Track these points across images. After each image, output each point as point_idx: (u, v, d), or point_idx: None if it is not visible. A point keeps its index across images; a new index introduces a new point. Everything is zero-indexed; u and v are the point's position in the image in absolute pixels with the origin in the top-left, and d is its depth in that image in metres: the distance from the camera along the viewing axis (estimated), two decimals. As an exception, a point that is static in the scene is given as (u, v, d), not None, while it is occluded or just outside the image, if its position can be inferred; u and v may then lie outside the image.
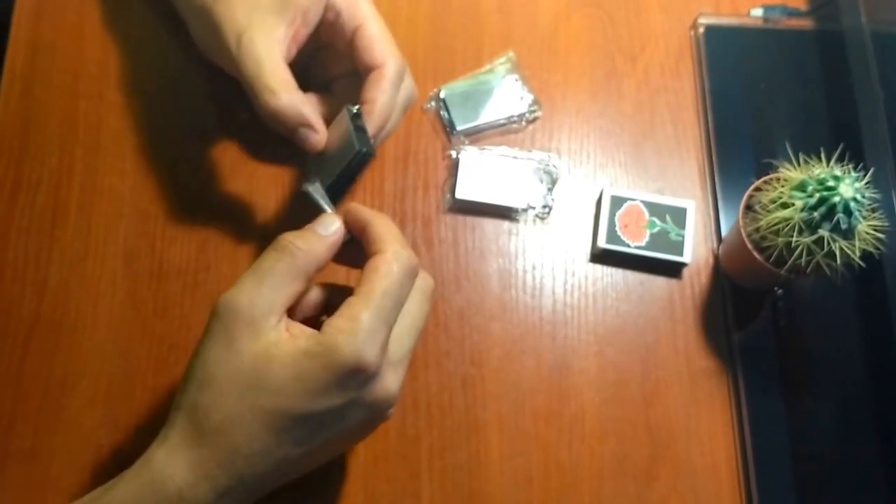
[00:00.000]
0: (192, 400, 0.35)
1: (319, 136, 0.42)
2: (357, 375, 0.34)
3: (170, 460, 0.34)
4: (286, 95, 0.40)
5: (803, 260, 0.41)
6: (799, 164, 0.43)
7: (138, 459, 0.36)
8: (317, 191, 0.40)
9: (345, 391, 0.34)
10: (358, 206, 0.39)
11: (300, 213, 0.49)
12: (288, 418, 0.34)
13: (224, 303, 0.35)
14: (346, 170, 0.41)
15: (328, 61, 0.46)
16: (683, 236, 0.49)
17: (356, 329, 0.34)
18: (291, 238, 0.36)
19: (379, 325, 0.35)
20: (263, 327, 0.34)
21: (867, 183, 0.41)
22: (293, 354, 0.34)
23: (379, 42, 0.43)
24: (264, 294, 0.35)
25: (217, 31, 0.42)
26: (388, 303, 0.35)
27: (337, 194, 0.42)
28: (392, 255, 0.36)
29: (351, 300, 0.35)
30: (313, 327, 0.36)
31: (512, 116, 0.52)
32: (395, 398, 0.37)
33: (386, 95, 0.42)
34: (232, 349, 0.34)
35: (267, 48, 0.41)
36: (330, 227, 0.37)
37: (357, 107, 0.42)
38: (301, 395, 0.34)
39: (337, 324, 0.34)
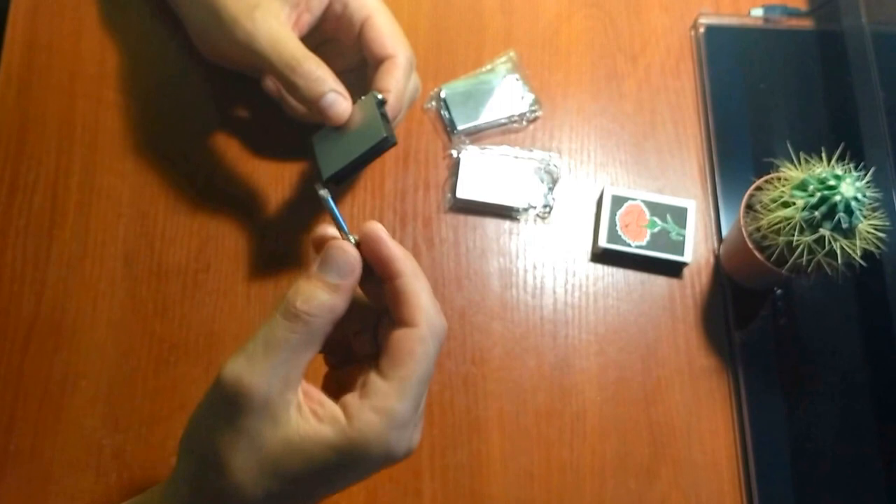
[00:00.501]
0: (200, 479, 0.32)
1: (347, 102, 0.40)
2: (384, 462, 0.32)
3: None
4: (308, 63, 0.40)
5: (804, 259, 0.41)
6: (799, 164, 0.43)
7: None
8: (329, 195, 0.34)
9: (368, 472, 0.32)
10: (380, 235, 0.32)
11: (300, 212, 0.49)
12: (303, 497, 0.32)
13: (233, 381, 0.30)
14: (365, 154, 0.40)
15: (333, 55, 0.46)
16: (684, 236, 0.49)
17: (389, 425, 0.30)
18: (301, 303, 0.31)
19: (413, 413, 0.31)
20: (281, 409, 0.30)
21: (868, 182, 0.41)
22: (317, 448, 0.30)
23: (389, 33, 0.43)
24: (279, 371, 0.30)
25: (220, 19, 0.42)
26: (423, 388, 0.32)
27: (345, 178, 0.41)
28: (428, 330, 0.32)
29: (382, 385, 0.31)
30: None
31: (513, 116, 0.52)
32: (415, 448, 0.34)
33: (400, 84, 0.42)
34: (247, 437, 0.30)
35: (279, 24, 0.41)
36: (344, 273, 0.32)
37: (382, 95, 0.41)
38: (324, 485, 0.32)
39: (367, 417, 0.30)
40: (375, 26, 0.43)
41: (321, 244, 0.33)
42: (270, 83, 0.44)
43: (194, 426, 0.32)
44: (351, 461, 0.31)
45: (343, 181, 0.42)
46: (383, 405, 0.30)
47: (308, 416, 0.31)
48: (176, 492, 0.33)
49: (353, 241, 0.33)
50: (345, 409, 0.31)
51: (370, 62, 0.44)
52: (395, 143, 0.40)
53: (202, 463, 0.32)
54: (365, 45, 0.43)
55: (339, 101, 0.40)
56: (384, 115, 0.41)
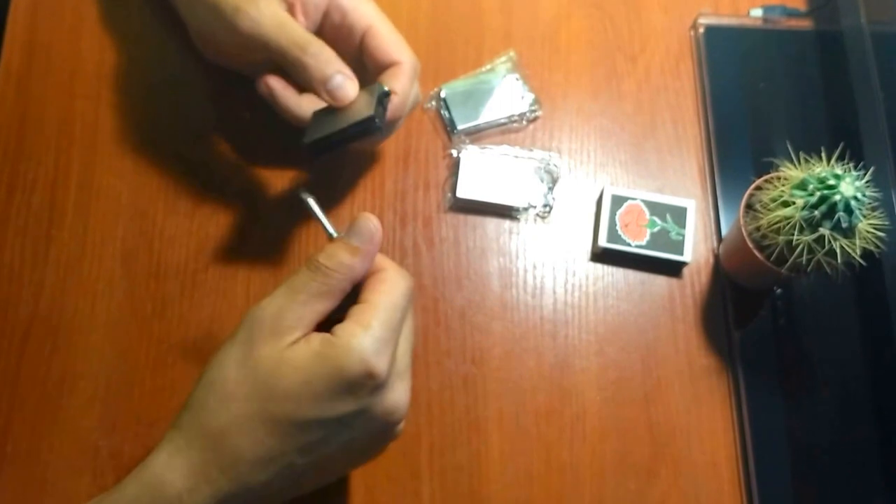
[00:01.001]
0: (199, 400, 0.35)
1: (355, 85, 0.41)
2: (367, 382, 0.34)
3: (171, 463, 0.34)
4: (316, 44, 0.40)
5: (804, 258, 0.41)
6: (799, 163, 0.43)
7: (142, 461, 0.35)
8: (312, 200, 0.39)
9: (354, 398, 0.34)
10: (367, 222, 0.37)
11: (300, 212, 0.49)
12: (294, 424, 0.34)
13: (253, 311, 0.35)
14: (348, 128, 0.40)
15: None
16: (684, 235, 0.49)
17: (368, 334, 0.34)
18: (324, 258, 0.35)
19: (389, 334, 0.35)
20: (286, 339, 0.34)
21: (867, 182, 0.41)
22: (304, 357, 0.34)
23: (392, 40, 0.43)
24: (294, 308, 0.35)
25: (221, 11, 0.42)
26: (396, 314, 0.35)
27: (326, 150, 0.41)
28: (396, 271, 0.37)
29: (360, 307, 0.35)
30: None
31: (513, 115, 0.52)
32: (404, 410, 0.37)
33: (405, 88, 0.43)
34: (249, 353, 0.34)
35: (283, 11, 0.41)
36: (365, 239, 0.36)
37: (387, 89, 0.41)
38: (309, 399, 0.34)
39: (349, 328, 0.34)
40: (378, 35, 0.43)
41: None
42: (264, 85, 0.44)
43: (211, 360, 0.36)
44: (334, 367, 0.33)
45: (323, 153, 0.41)
46: (360, 319, 0.35)
47: (302, 342, 0.35)
48: (174, 430, 0.35)
49: (336, 236, 0.37)
50: (332, 332, 0.35)
51: (373, 70, 0.44)
52: (380, 128, 0.40)
53: (206, 385, 0.35)
54: (368, 54, 0.43)
55: (346, 83, 0.41)
56: (382, 104, 0.41)
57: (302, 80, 0.42)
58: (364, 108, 0.40)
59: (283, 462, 0.34)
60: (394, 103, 0.42)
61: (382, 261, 0.38)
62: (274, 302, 0.35)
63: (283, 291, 0.35)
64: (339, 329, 0.35)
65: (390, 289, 0.36)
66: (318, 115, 0.42)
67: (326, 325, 0.36)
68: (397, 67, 0.43)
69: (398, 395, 0.36)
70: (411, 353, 0.38)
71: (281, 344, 0.34)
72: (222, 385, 0.34)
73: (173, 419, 0.36)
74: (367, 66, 0.44)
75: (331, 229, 0.38)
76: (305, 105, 0.43)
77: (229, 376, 0.34)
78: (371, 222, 0.36)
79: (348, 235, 0.36)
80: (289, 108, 0.45)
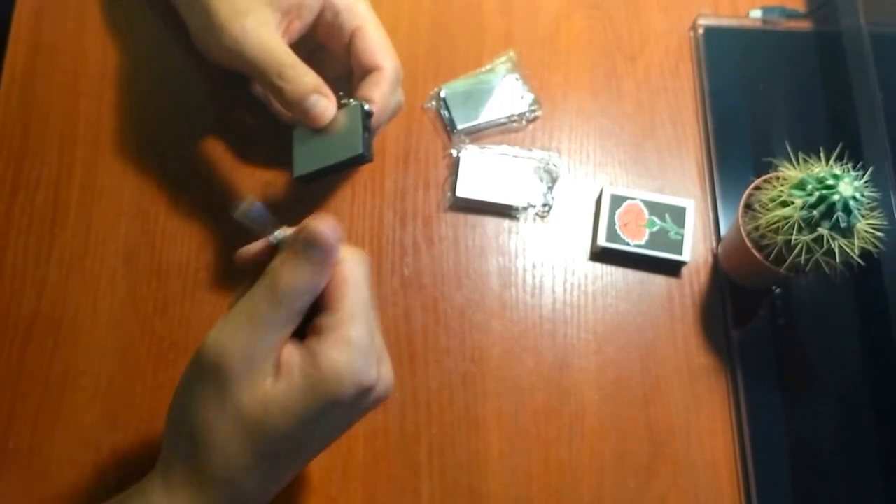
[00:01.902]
0: (187, 450, 0.33)
1: (331, 105, 0.40)
2: (363, 393, 0.33)
3: (172, 499, 0.33)
4: (295, 69, 0.40)
5: (803, 258, 0.41)
6: (798, 163, 0.43)
7: (132, 489, 0.35)
8: (249, 214, 0.34)
9: (351, 409, 0.34)
10: (326, 229, 0.33)
11: (301, 211, 0.50)
12: (296, 452, 0.34)
13: (216, 354, 0.32)
14: (338, 164, 0.40)
15: (324, 62, 0.47)
16: (683, 235, 0.49)
17: (352, 352, 0.32)
18: (286, 286, 0.32)
19: (368, 338, 0.33)
20: (260, 375, 0.32)
21: (866, 182, 0.41)
22: (292, 395, 0.32)
23: (378, 44, 0.43)
24: (260, 342, 0.32)
25: (211, 23, 0.42)
26: (368, 312, 0.34)
27: (315, 180, 0.41)
28: (352, 260, 0.34)
29: (335, 320, 0.33)
30: None
31: (512, 115, 0.52)
32: (392, 385, 0.36)
33: (384, 97, 0.42)
34: (227, 401, 0.32)
35: (269, 32, 0.41)
36: (322, 252, 0.32)
37: (369, 106, 0.41)
38: (310, 432, 0.33)
39: (330, 352, 0.32)
40: (365, 37, 0.43)
41: (246, 259, 0.35)
42: (259, 87, 0.45)
43: (178, 401, 0.34)
44: (326, 398, 0.32)
45: (313, 181, 0.42)
46: (339, 335, 0.32)
47: (280, 375, 0.32)
48: (168, 469, 0.34)
49: (276, 242, 0.34)
50: (308, 352, 0.33)
51: (357, 72, 0.44)
52: (371, 160, 0.40)
53: (190, 438, 0.33)
54: (353, 55, 0.43)
55: (321, 102, 0.40)
56: (367, 128, 0.41)
57: (280, 103, 0.42)
58: (350, 139, 0.40)
59: (286, 476, 0.35)
60: (373, 111, 0.41)
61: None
62: (237, 337, 0.32)
63: (244, 323, 0.32)
64: (320, 353, 0.32)
65: (355, 286, 0.33)
66: (302, 139, 0.42)
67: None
68: (379, 73, 0.42)
69: (385, 378, 0.35)
70: (379, 327, 0.36)
71: (258, 382, 0.32)
72: (207, 444, 0.32)
73: (159, 461, 0.34)
74: (352, 67, 0.44)
75: (273, 236, 0.34)
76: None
77: (213, 427, 0.32)
78: (329, 229, 0.32)
79: (305, 248, 0.32)
80: (281, 111, 0.46)
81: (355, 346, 0.32)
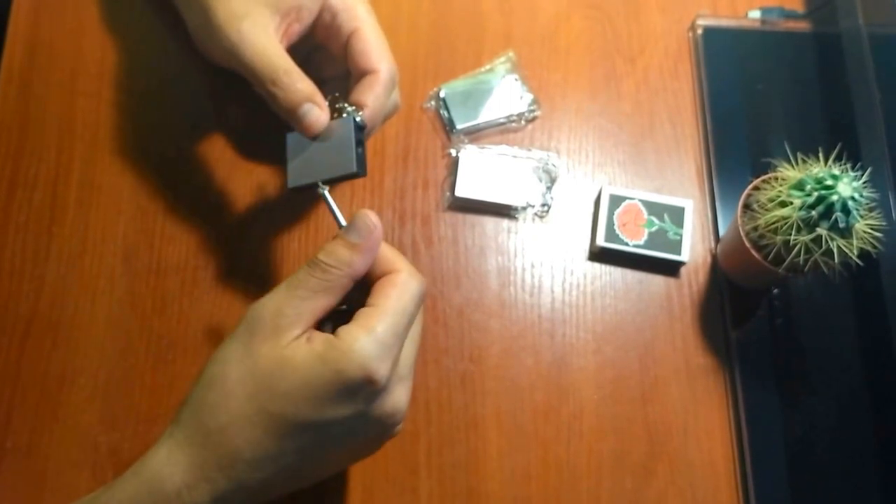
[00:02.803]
0: (200, 397, 0.35)
1: (323, 115, 0.41)
2: (367, 387, 0.34)
3: (171, 459, 0.34)
4: (289, 76, 0.40)
5: (801, 258, 0.41)
6: (797, 164, 0.43)
7: (142, 456, 0.36)
8: (327, 192, 0.39)
9: (353, 402, 0.34)
10: (364, 218, 0.37)
11: (300, 210, 0.50)
12: (293, 425, 0.34)
13: (253, 308, 0.35)
14: (331, 180, 0.40)
15: (322, 63, 0.46)
16: (681, 235, 0.49)
17: (371, 339, 0.34)
18: (324, 255, 0.36)
19: (393, 340, 0.35)
20: (286, 336, 0.34)
21: (865, 182, 0.41)
22: (306, 358, 0.34)
23: (375, 46, 0.43)
24: (293, 304, 0.35)
25: (209, 24, 0.42)
26: (403, 320, 0.35)
27: (307, 191, 0.41)
28: (408, 274, 0.37)
29: (367, 311, 0.35)
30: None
31: (511, 115, 0.52)
32: (403, 413, 0.37)
33: (378, 101, 0.42)
34: (249, 351, 0.34)
35: (266, 36, 0.41)
36: (364, 235, 0.36)
37: (361, 116, 0.41)
38: (309, 401, 0.34)
39: (353, 332, 0.34)
40: (362, 39, 0.43)
41: None
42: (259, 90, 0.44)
43: (209, 361, 0.36)
44: (335, 371, 0.33)
45: (307, 191, 0.42)
46: (366, 323, 0.34)
47: (304, 341, 0.35)
48: (174, 428, 0.35)
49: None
50: (336, 333, 0.35)
51: (353, 73, 0.44)
52: (364, 175, 0.41)
53: (205, 386, 0.35)
54: (350, 57, 0.43)
55: (313, 111, 0.41)
56: (360, 142, 0.41)
57: (274, 109, 0.42)
58: (343, 154, 0.40)
59: (281, 462, 0.34)
60: (365, 115, 0.41)
61: (397, 261, 0.37)
62: (273, 298, 0.35)
63: (283, 288, 0.35)
64: (343, 331, 0.34)
65: (400, 293, 0.36)
66: (295, 145, 0.42)
67: (333, 326, 0.36)
68: (373, 77, 0.42)
69: (398, 398, 0.36)
70: (416, 356, 0.38)
71: (281, 341, 0.34)
72: (222, 382, 0.34)
73: (174, 414, 0.36)
74: (349, 69, 0.44)
75: (342, 221, 0.39)
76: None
77: (229, 374, 0.34)
78: (369, 218, 0.36)
79: (347, 232, 0.37)
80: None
81: (375, 337, 0.34)
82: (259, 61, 0.41)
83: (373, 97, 0.42)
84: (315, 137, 0.41)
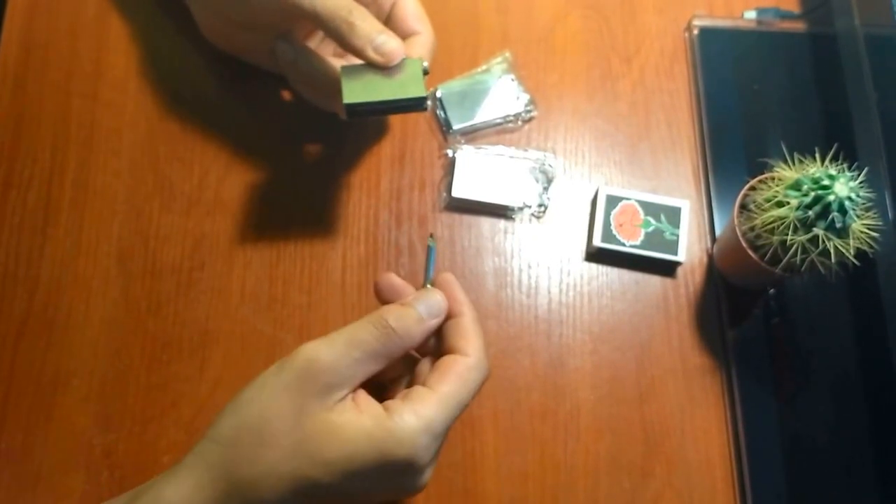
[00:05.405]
0: (235, 437, 0.33)
1: (400, 45, 0.41)
2: (406, 470, 0.34)
3: (194, 500, 0.33)
4: (360, 9, 0.41)
5: (798, 258, 0.41)
6: (793, 164, 0.43)
7: (151, 482, 0.35)
8: (434, 247, 0.39)
9: (387, 479, 0.34)
10: (453, 279, 0.38)
11: (296, 212, 0.49)
12: (323, 489, 0.33)
13: (308, 355, 0.34)
14: (397, 101, 0.40)
15: None
16: (678, 235, 0.49)
17: (423, 428, 0.33)
18: (394, 320, 0.35)
19: (444, 429, 0.34)
20: (334, 395, 0.34)
21: (861, 182, 0.41)
22: (354, 432, 0.33)
23: (418, 14, 0.45)
24: (349, 365, 0.34)
25: None
26: (458, 412, 0.35)
27: (364, 114, 0.41)
28: (477, 362, 0.36)
29: (423, 393, 0.34)
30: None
31: (508, 116, 0.52)
32: (426, 482, 0.36)
33: (430, 56, 0.44)
34: (298, 406, 0.33)
35: None
36: (434, 312, 0.36)
37: (426, 64, 0.42)
38: (346, 474, 0.33)
39: (405, 415, 0.33)
40: (403, 7, 0.45)
41: (384, 290, 0.38)
42: (286, 47, 0.44)
43: (247, 393, 0.34)
44: (381, 453, 0.33)
45: (359, 116, 0.42)
46: (422, 409, 0.33)
47: (352, 407, 0.34)
48: (202, 454, 0.33)
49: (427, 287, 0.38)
50: (386, 408, 0.34)
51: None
52: (426, 109, 0.41)
53: (240, 419, 0.33)
54: (393, 22, 0.45)
55: (392, 40, 0.41)
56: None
57: (347, 43, 0.41)
58: (412, 82, 0.41)
59: None
60: None
61: (472, 340, 0.36)
62: (331, 353, 0.34)
63: (342, 343, 0.34)
64: (395, 410, 0.33)
65: (463, 384, 0.35)
66: (351, 73, 0.41)
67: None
68: (417, 37, 0.44)
69: (426, 477, 0.36)
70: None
71: (328, 401, 0.33)
72: (260, 429, 0.33)
73: (198, 444, 0.34)
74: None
75: (430, 282, 0.39)
76: (335, 64, 0.44)
77: (273, 424, 0.33)
78: (440, 300, 0.37)
79: (418, 302, 0.36)
80: (305, 82, 0.45)
81: (428, 426, 0.33)
82: (330, 1, 0.40)
83: (426, 52, 0.44)
84: (381, 71, 0.41)
